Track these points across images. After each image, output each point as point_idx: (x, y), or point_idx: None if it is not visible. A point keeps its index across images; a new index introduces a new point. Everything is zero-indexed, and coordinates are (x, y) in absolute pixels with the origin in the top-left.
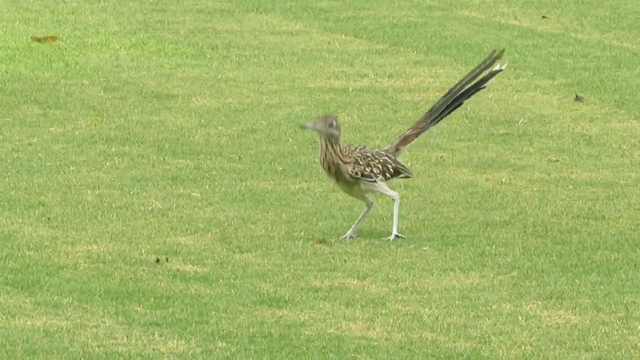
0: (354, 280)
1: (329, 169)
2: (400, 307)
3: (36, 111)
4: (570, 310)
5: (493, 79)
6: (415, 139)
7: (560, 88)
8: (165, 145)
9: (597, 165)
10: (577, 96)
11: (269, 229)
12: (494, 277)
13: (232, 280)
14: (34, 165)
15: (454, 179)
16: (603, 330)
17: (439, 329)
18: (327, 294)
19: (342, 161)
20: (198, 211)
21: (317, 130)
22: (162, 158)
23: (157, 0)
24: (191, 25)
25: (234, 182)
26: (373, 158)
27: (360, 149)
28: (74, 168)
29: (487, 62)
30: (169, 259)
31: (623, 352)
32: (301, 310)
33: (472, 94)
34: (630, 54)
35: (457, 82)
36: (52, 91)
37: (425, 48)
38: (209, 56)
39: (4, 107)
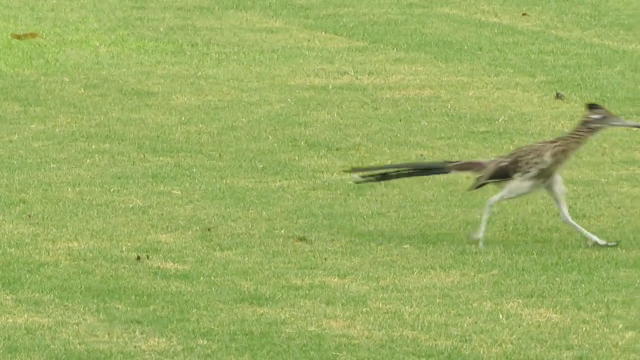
0: (334, 278)
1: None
2: (381, 305)
3: (16, 108)
4: (551, 309)
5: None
6: None
7: (540, 86)
8: (145, 143)
9: (577, 163)
10: (557, 94)
11: (249, 226)
12: (474, 276)
13: (212, 277)
14: (15, 162)
15: (434, 177)
16: (584, 328)
17: (419, 327)
18: (307, 292)
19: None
20: (178, 209)
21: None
22: (142, 155)
23: None
24: (171, 22)
25: (214, 180)
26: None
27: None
28: (54, 165)
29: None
30: (150, 257)
31: (604, 350)
32: (282, 308)
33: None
34: (610, 51)
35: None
36: (32, 88)
37: (405, 45)
38: (188, 53)
39: None
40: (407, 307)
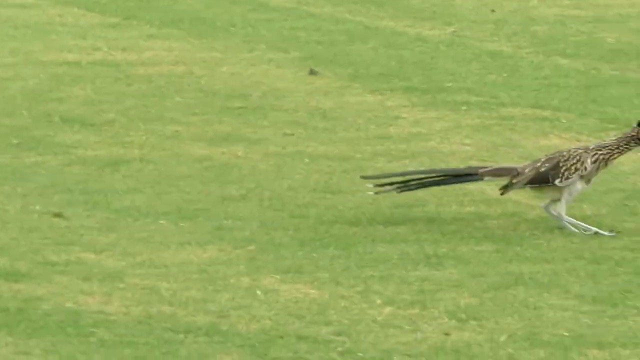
0: (91, 254)
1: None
2: (138, 281)
3: None
4: (309, 284)
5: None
6: None
7: (294, 62)
8: None
9: (332, 139)
10: (311, 70)
11: (4, 202)
12: (231, 251)
13: None
14: None
15: (189, 152)
16: (342, 304)
17: (177, 303)
18: (64, 268)
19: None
20: None
21: None
22: None
23: None
24: None
25: None
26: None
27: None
28: None
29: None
30: None
31: (363, 325)
32: (38, 284)
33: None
34: (363, 27)
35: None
36: None
37: (158, 22)
38: None
39: None
40: (164, 283)
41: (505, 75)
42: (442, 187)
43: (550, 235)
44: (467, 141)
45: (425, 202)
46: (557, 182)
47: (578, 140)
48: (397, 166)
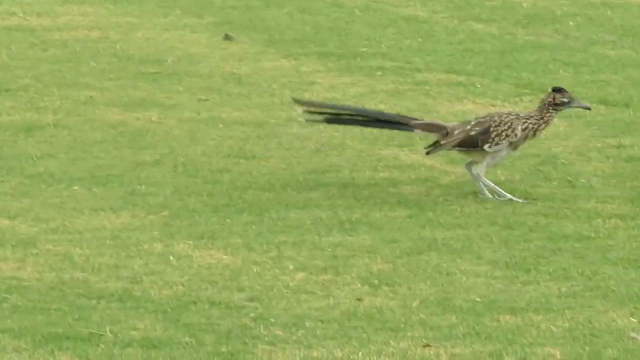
0: (4, 220)
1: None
2: (51, 247)
3: None
4: (222, 250)
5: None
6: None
7: (209, 27)
8: None
9: (247, 105)
10: (226, 35)
11: None
12: (145, 217)
13: None
14: None
15: (103, 118)
16: (255, 270)
17: (90, 270)
18: None
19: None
20: None
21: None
22: None
23: None
24: None
25: None
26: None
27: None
28: None
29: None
30: None
31: (275, 291)
32: None
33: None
34: None
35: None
36: None
37: None
38: None
39: None
40: (77, 250)
41: (420, 40)
42: (357, 153)
43: (464, 201)
44: (382, 107)
45: (339, 168)
46: (486, 147)
47: (493, 106)
48: (311, 132)
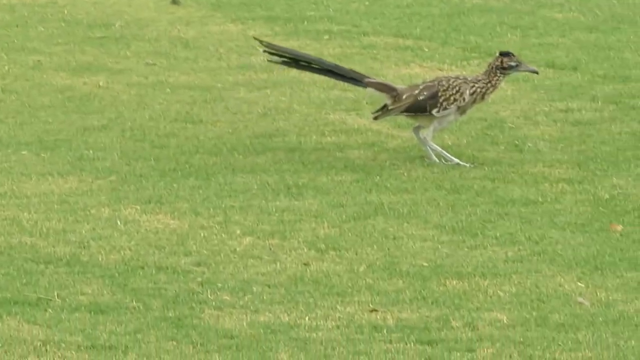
0: None
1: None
2: None
3: None
4: (169, 215)
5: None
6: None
7: None
8: None
9: (194, 69)
10: (173, 0)
11: None
12: (92, 182)
13: None
14: None
15: (51, 82)
16: (202, 234)
17: (38, 234)
18: None
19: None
20: None
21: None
22: None
23: None
24: None
25: None
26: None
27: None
28: None
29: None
30: None
31: (222, 256)
32: None
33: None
34: None
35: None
36: None
37: None
38: None
39: None
40: (25, 214)
41: (367, 3)
42: (304, 117)
43: (411, 165)
44: None
45: (286, 132)
46: (434, 112)
47: (440, 70)
48: (258, 96)
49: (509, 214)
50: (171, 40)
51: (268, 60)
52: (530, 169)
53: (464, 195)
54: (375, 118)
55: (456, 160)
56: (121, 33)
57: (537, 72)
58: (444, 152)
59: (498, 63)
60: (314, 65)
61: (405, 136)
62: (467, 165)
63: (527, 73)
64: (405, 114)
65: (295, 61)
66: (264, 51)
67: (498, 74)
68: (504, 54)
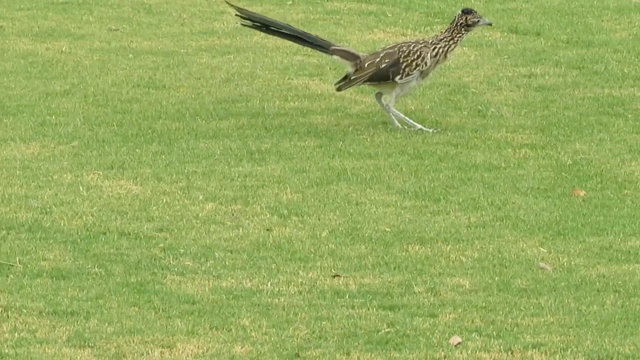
0: None
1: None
2: None
3: None
4: (132, 180)
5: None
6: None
7: None
8: None
9: (157, 34)
10: None
11: None
12: (54, 147)
13: None
14: None
15: (14, 48)
16: (164, 200)
17: (0, 200)
18: None
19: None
20: None
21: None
22: None
23: None
24: None
25: None
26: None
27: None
28: None
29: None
30: None
31: (185, 222)
32: None
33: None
34: None
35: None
36: None
37: None
38: None
39: None
40: None
41: None
42: (267, 82)
43: (374, 130)
44: None
45: (249, 98)
46: (397, 79)
47: (403, 35)
48: (221, 61)
49: (471, 180)
50: (134, 5)
51: (241, 24)
52: (494, 134)
53: (427, 161)
54: (339, 89)
55: (419, 125)
56: None
57: (491, 24)
58: (406, 117)
59: (462, 21)
60: (284, 31)
61: (368, 102)
62: (430, 130)
63: (482, 27)
64: (368, 83)
65: (266, 27)
66: (236, 15)
67: (462, 31)
68: (466, 12)
